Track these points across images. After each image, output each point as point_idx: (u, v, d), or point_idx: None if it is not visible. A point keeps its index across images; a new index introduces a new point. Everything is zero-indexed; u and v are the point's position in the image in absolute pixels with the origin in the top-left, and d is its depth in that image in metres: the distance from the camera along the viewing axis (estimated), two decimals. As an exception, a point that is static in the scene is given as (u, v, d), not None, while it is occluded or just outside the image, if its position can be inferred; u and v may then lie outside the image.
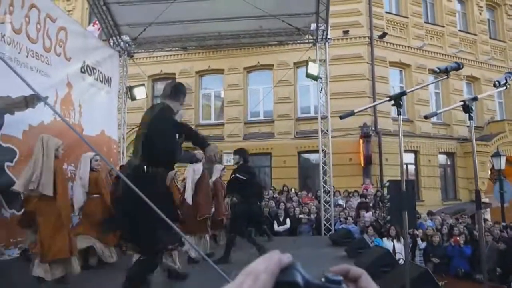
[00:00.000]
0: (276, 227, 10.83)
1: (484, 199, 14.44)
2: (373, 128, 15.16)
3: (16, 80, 4.15)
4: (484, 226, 8.99)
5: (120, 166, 8.28)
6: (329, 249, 8.20)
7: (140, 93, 11.19)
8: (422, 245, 10.10)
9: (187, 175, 7.19)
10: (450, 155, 17.28)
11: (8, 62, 3.66)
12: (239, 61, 16.35)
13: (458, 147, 17.02)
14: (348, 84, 14.88)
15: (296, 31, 10.59)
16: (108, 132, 9.75)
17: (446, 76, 3.51)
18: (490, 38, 19.33)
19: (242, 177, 6.91)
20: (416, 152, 16.27)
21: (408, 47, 16.78)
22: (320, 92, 10.80)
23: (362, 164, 14.86)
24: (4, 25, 6.20)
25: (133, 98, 11.13)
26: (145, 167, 3.53)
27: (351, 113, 3.36)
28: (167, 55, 16.00)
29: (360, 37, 15.77)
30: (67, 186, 6.02)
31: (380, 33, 15.94)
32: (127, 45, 10.98)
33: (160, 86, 17.60)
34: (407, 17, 17.04)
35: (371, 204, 12.08)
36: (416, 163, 16.31)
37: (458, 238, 9.97)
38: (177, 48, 13.18)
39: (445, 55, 17.36)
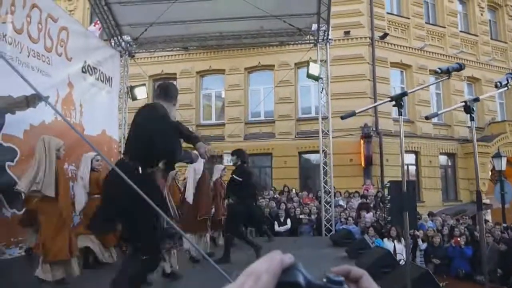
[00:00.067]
0: (276, 227, 10.83)
1: (485, 200, 14.43)
2: (374, 129, 15.15)
3: (17, 80, 4.15)
4: (485, 227, 8.98)
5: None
6: (330, 250, 8.20)
7: (141, 93, 11.20)
8: (423, 246, 10.09)
9: (188, 174, 7.19)
10: (450, 156, 17.26)
11: (9, 61, 3.66)
12: (240, 62, 16.35)
13: (459, 148, 17.00)
14: (349, 85, 14.88)
15: (297, 31, 10.59)
16: (109, 132, 9.75)
17: (447, 77, 3.51)
18: (491, 39, 19.32)
19: (238, 178, 6.93)
20: (417, 153, 16.26)
21: (409, 47, 16.77)
22: (321, 92, 10.80)
23: (363, 165, 14.85)
24: (5, 24, 6.21)
25: (134, 98, 11.14)
26: (139, 167, 3.49)
27: (353, 114, 3.36)
28: (168, 55, 16.02)
29: (361, 38, 15.76)
30: (69, 186, 6.02)
31: (381, 34, 15.93)
32: (128, 45, 10.98)
33: (161, 86, 17.62)
34: (408, 18, 17.03)
35: (371, 205, 12.08)
36: (416, 163, 16.30)
37: (458, 239, 9.96)
38: (178, 48, 13.18)
39: (446, 56, 17.34)
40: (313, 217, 11.21)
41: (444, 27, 17.84)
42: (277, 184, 14.71)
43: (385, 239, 9.54)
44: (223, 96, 17.08)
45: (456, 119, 16.79)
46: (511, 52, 19.62)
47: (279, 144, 15.70)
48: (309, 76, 10.50)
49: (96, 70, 9.28)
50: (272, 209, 11.43)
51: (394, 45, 16.46)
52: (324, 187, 10.53)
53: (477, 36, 18.69)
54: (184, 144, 3.79)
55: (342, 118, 3.38)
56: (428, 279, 4.55)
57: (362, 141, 14.84)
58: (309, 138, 14.50)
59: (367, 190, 13.27)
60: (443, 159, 17.18)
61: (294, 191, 13.58)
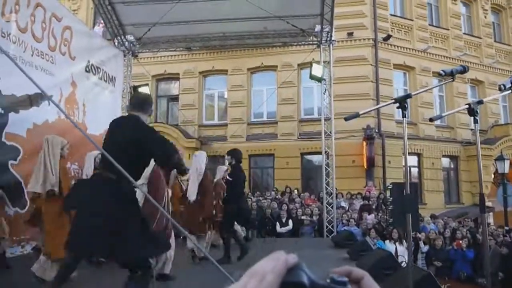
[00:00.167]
0: (278, 228, 10.82)
1: (487, 203, 14.36)
2: (376, 130, 15.12)
3: (20, 79, 4.17)
4: (487, 230, 8.98)
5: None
6: (331, 251, 8.20)
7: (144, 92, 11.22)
8: (425, 248, 10.07)
9: (190, 174, 7.19)
10: (453, 158, 17.22)
11: (14, 60, 3.67)
12: (243, 62, 16.35)
13: (461, 150, 16.96)
14: (352, 86, 14.87)
15: (300, 32, 10.60)
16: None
17: (451, 79, 3.50)
18: (495, 41, 19.26)
19: (229, 178, 7.02)
20: (419, 155, 16.22)
21: (413, 49, 16.74)
22: (324, 93, 10.80)
23: (365, 166, 14.83)
24: (9, 23, 6.23)
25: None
26: (124, 181, 3.40)
27: (356, 115, 3.35)
28: (171, 55, 16.04)
29: (364, 39, 15.74)
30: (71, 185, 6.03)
31: (384, 35, 15.91)
32: (131, 44, 11.01)
33: (164, 86, 17.70)
34: (412, 20, 17.01)
35: (373, 207, 12.06)
36: (419, 166, 16.26)
37: (460, 241, 9.94)
38: (181, 48, 13.21)
39: (450, 58, 17.31)
40: (314, 218, 11.20)
41: (448, 29, 17.81)
42: (279, 185, 14.70)
43: (387, 241, 9.52)
44: (225, 96, 17.08)
45: (459, 122, 16.75)
46: (514, 54, 19.58)
47: (281, 145, 15.69)
48: (312, 77, 10.51)
49: (99, 70, 9.31)
50: (273, 209, 11.42)
51: (397, 47, 16.44)
52: (326, 188, 10.53)
53: (480, 38, 18.64)
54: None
55: (345, 119, 3.38)
56: (429, 282, 4.54)
57: (364, 143, 14.82)
58: (312, 139, 14.49)
59: (369, 192, 13.25)
60: (445, 162, 17.14)
61: (296, 192, 13.57)
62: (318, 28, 10.49)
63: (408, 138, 3.55)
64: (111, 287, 5.22)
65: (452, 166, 17.36)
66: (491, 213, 15.34)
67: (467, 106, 3.49)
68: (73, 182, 6.33)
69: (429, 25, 17.52)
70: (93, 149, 6.39)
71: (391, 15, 16.74)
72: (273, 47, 14.17)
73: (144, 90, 11.17)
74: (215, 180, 8.00)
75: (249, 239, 8.71)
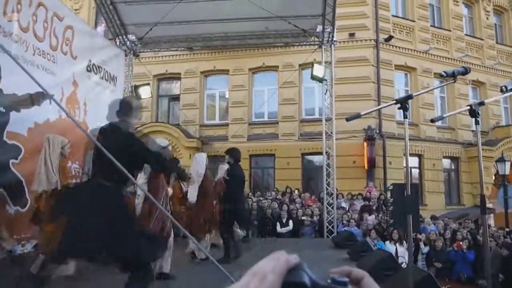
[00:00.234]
0: (278, 228, 10.81)
1: (488, 205, 14.36)
2: (377, 131, 15.12)
3: (22, 78, 4.17)
4: (488, 231, 8.97)
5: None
6: (332, 252, 8.19)
7: (145, 92, 11.24)
8: (425, 249, 10.06)
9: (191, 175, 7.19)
10: (454, 159, 17.21)
11: (16, 60, 3.68)
12: (245, 62, 16.35)
13: (462, 152, 16.95)
14: (353, 87, 14.87)
15: (302, 32, 10.59)
16: (113, 131, 9.75)
17: (453, 81, 3.50)
18: (497, 43, 19.24)
19: (226, 177, 7.04)
20: (420, 156, 16.21)
21: (414, 50, 16.73)
22: (325, 94, 10.79)
23: (366, 167, 14.82)
24: (11, 23, 6.23)
25: (138, 98, 11.16)
26: (119, 187, 3.51)
27: (357, 116, 3.35)
28: (173, 55, 16.05)
29: (366, 40, 15.75)
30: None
31: (386, 36, 15.91)
32: (133, 44, 11.00)
33: (165, 86, 17.70)
34: (414, 21, 17.00)
35: (374, 207, 12.05)
36: (420, 167, 16.24)
37: (461, 243, 9.93)
38: (182, 48, 13.22)
39: (451, 59, 17.30)
40: (315, 218, 11.19)
41: (449, 31, 17.80)
42: (280, 185, 14.71)
43: (387, 242, 9.51)
44: (227, 96, 17.08)
45: (460, 123, 16.73)
46: (516, 56, 19.57)
47: (282, 145, 15.69)
48: (313, 77, 10.50)
49: (100, 69, 9.30)
50: (274, 210, 11.42)
51: (399, 47, 16.43)
52: (327, 189, 10.53)
53: (482, 39, 18.63)
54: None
55: (347, 120, 3.38)
56: (430, 283, 4.54)
57: (365, 143, 14.81)
58: (313, 140, 14.49)
59: (370, 193, 13.25)
60: (446, 163, 17.13)
61: (296, 192, 13.56)
62: (319, 28, 10.49)
63: (409, 139, 3.54)
64: (111, 287, 5.23)
65: (453, 167, 17.35)
66: (491, 215, 15.33)
67: (468, 107, 3.48)
68: (73, 181, 6.36)
69: (431, 26, 17.51)
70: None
71: (393, 16, 16.75)
72: (274, 47, 14.17)
73: (145, 89, 11.21)
74: (216, 179, 8.02)
75: (247, 241, 8.67)
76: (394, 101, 3.42)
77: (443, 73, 3.51)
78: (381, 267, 5.56)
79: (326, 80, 10.57)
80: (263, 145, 15.80)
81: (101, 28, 12.17)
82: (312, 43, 11.14)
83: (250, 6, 9.16)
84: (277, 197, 12.97)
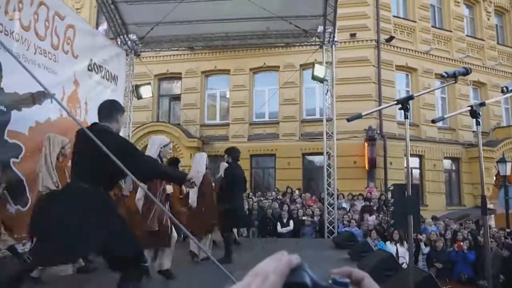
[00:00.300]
0: (279, 228, 10.81)
1: (489, 205, 14.35)
2: (378, 132, 15.12)
3: (23, 77, 4.17)
4: (489, 232, 8.96)
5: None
6: (332, 252, 8.19)
7: (146, 92, 11.24)
8: (426, 249, 10.05)
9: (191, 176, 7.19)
10: (455, 160, 17.21)
11: (17, 58, 3.68)
12: (245, 62, 16.36)
13: (463, 152, 16.95)
14: (354, 87, 14.87)
15: (303, 33, 10.59)
16: (114, 130, 9.76)
17: (453, 81, 3.50)
18: (498, 43, 19.24)
19: (222, 176, 7.16)
20: (421, 157, 16.22)
21: (415, 51, 16.73)
22: (326, 94, 10.79)
23: (367, 167, 14.82)
24: (12, 21, 6.24)
25: (139, 97, 11.18)
26: (103, 190, 3.55)
27: (359, 116, 3.35)
28: (174, 55, 16.07)
29: (367, 40, 15.75)
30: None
31: (387, 37, 15.91)
32: (134, 44, 11.01)
33: (166, 86, 17.71)
34: (415, 21, 17.00)
35: (375, 208, 12.05)
36: (420, 167, 16.24)
37: (462, 243, 9.92)
38: (183, 48, 13.22)
39: (452, 60, 17.30)
40: (315, 219, 11.19)
41: (451, 31, 17.79)
42: (280, 185, 14.71)
43: (388, 242, 9.51)
44: (228, 96, 17.08)
45: (461, 123, 16.73)
46: (517, 57, 19.56)
47: (283, 145, 15.69)
48: (314, 77, 10.49)
49: (102, 68, 9.31)
50: (275, 210, 11.42)
51: (400, 48, 16.43)
52: (327, 189, 10.52)
53: (483, 40, 18.63)
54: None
55: (348, 120, 3.37)
56: (430, 283, 4.54)
57: (366, 144, 14.82)
58: (313, 140, 14.49)
59: (371, 193, 13.25)
60: (447, 163, 17.12)
61: (297, 192, 13.57)
62: (320, 29, 10.48)
63: (410, 140, 3.54)
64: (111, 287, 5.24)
65: (453, 168, 17.34)
66: (492, 215, 15.32)
67: (469, 108, 3.48)
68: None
69: (432, 26, 17.51)
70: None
71: (394, 16, 16.74)
72: (275, 47, 14.17)
73: (146, 89, 11.21)
74: (217, 176, 8.06)
75: (238, 243, 8.62)
76: (395, 102, 3.42)
77: (444, 73, 3.50)
78: (381, 268, 5.56)
79: (327, 80, 10.56)
80: (264, 145, 15.80)
81: (103, 27, 12.15)
82: (313, 43, 11.14)
83: (251, 6, 9.15)
84: (278, 197, 12.97)
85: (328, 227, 10.29)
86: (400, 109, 3.36)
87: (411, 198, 3.73)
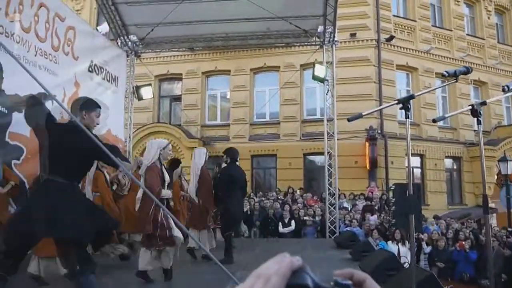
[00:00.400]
0: (280, 228, 10.82)
1: (490, 204, 14.32)
2: (379, 131, 15.11)
3: (24, 79, 4.17)
4: (490, 231, 8.94)
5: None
6: (334, 252, 8.18)
7: (147, 93, 11.26)
8: (427, 249, 10.05)
9: (191, 172, 7.23)
10: (456, 159, 17.20)
11: (18, 60, 3.69)
12: (246, 62, 16.36)
13: (464, 151, 16.93)
14: (355, 87, 14.86)
15: (303, 33, 10.60)
16: (114, 131, 9.78)
17: (454, 80, 3.49)
18: (498, 42, 19.22)
19: (218, 176, 7.23)
20: (422, 156, 16.20)
21: (416, 50, 16.72)
22: (327, 94, 10.79)
23: (368, 167, 14.82)
24: (13, 23, 6.25)
25: (139, 98, 11.20)
26: (75, 183, 3.70)
27: (359, 116, 3.35)
28: (174, 56, 16.06)
29: (367, 40, 15.74)
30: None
31: (387, 36, 15.90)
32: (134, 45, 11.03)
33: (167, 86, 17.72)
34: (415, 21, 16.98)
35: (376, 207, 12.04)
36: (422, 166, 16.23)
37: (463, 242, 9.92)
38: (184, 49, 13.24)
39: (453, 59, 17.28)
40: (317, 218, 11.19)
41: (451, 30, 17.78)
42: (282, 185, 14.71)
43: (389, 242, 9.51)
44: (228, 96, 17.09)
45: (462, 123, 16.72)
46: (518, 55, 19.54)
47: (284, 145, 15.69)
48: (314, 77, 10.49)
49: (102, 70, 9.32)
50: (276, 210, 11.42)
51: (400, 47, 16.43)
52: (329, 189, 10.52)
53: (484, 39, 18.61)
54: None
55: (349, 120, 3.38)
56: (432, 283, 4.53)
57: (367, 143, 14.81)
58: (314, 140, 14.49)
59: (372, 193, 13.24)
60: (448, 163, 17.11)
61: (298, 192, 13.57)
62: (321, 28, 10.49)
63: (411, 139, 3.54)
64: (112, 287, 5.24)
65: (455, 167, 17.33)
66: (494, 214, 15.30)
67: (470, 107, 3.48)
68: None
69: (432, 26, 17.50)
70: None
71: (394, 16, 16.74)
72: (276, 47, 14.16)
73: (147, 90, 11.22)
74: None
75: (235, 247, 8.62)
76: (396, 101, 3.43)
77: (444, 73, 3.50)
78: (383, 267, 5.55)
79: (327, 80, 10.56)
80: (265, 146, 15.81)
81: (104, 29, 12.14)
82: (314, 43, 11.14)
83: (251, 7, 9.16)
84: (279, 197, 12.97)
85: (329, 227, 10.29)
86: (401, 108, 3.36)
87: (412, 198, 3.74)
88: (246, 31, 10.81)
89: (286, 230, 10.81)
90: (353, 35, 15.58)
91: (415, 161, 15.88)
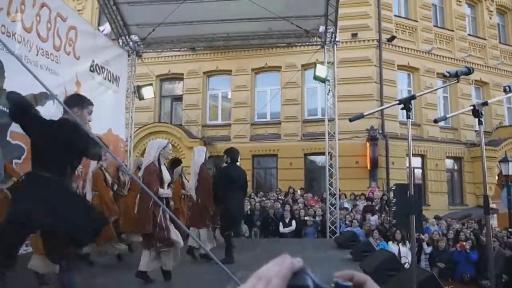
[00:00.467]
0: (281, 228, 10.82)
1: (491, 205, 14.31)
2: (380, 131, 15.10)
3: (25, 78, 4.18)
4: (491, 231, 8.94)
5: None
6: (334, 252, 8.18)
7: (148, 92, 11.27)
8: (428, 249, 10.05)
9: (191, 170, 7.25)
10: (457, 159, 17.18)
11: (20, 59, 3.69)
12: (247, 62, 16.36)
13: (465, 152, 16.92)
14: (356, 87, 14.85)
15: (304, 33, 10.60)
16: (116, 131, 9.80)
17: (456, 81, 3.49)
18: (500, 42, 19.20)
19: (216, 175, 7.26)
20: (423, 156, 16.19)
21: (417, 50, 16.70)
22: (328, 94, 10.79)
23: (369, 167, 14.81)
24: (15, 23, 6.26)
25: (141, 98, 11.21)
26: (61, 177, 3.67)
27: (361, 116, 3.35)
28: (176, 55, 16.07)
29: (368, 40, 15.73)
30: None
31: (388, 36, 15.89)
32: (136, 44, 11.04)
33: (168, 86, 17.73)
34: (416, 21, 16.97)
35: (377, 208, 12.04)
36: (423, 167, 16.22)
37: (464, 243, 9.92)
38: (185, 49, 13.24)
39: (454, 59, 17.27)
40: (318, 219, 11.19)
41: (452, 31, 17.76)
42: (283, 185, 14.70)
43: (390, 242, 9.51)
44: (229, 96, 17.10)
45: (463, 123, 16.71)
46: (519, 56, 19.52)
47: (285, 145, 15.69)
48: (316, 78, 10.50)
49: (103, 69, 9.34)
50: (277, 210, 11.42)
51: (402, 47, 16.41)
52: (330, 189, 10.52)
53: (485, 39, 18.59)
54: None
55: (350, 120, 3.37)
56: (433, 283, 4.53)
57: (368, 144, 14.80)
58: (315, 140, 14.48)
59: (373, 193, 13.23)
60: (449, 163, 17.09)
61: (299, 192, 13.56)
62: (322, 29, 10.49)
63: (412, 139, 3.54)
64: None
65: (456, 168, 17.32)
66: (495, 215, 15.31)
67: (471, 107, 3.48)
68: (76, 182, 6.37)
69: (434, 26, 17.48)
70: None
71: (396, 16, 16.72)
72: (277, 47, 14.15)
73: (148, 90, 11.24)
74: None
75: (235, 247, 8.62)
76: (397, 102, 3.42)
77: (446, 73, 3.50)
78: (384, 268, 5.55)
79: (328, 80, 10.57)
80: (266, 146, 15.81)
81: (106, 27, 12.15)
82: (315, 43, 11.15)
83: (252, 7, 9.16)
84: (280, 197, 12.97)
85: (330, 227, 10.29)
86: (402, 109, 3.36)
87: (413, 198, 3.73)
88: (248, 31, 10.81)
89: (286, 230, 10.82)
90: (354, 35, 15.58)
91: (416, 162, 15.87)
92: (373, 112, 4.00)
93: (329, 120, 10.79)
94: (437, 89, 15.02)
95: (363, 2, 15.79)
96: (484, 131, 3.68)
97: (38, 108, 6.47)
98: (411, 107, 3.35)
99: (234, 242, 7.14)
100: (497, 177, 16.36)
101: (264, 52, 15.56)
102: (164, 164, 5.52)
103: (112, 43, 10.38)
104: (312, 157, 15.85)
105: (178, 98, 17.56)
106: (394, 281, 4.95)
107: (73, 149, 3.63)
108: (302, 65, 15.41)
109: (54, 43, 7.31)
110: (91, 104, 4.07)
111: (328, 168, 10.56)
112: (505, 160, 14.40)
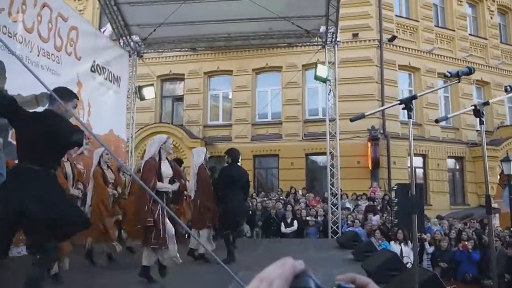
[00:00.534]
0: (283, 228, 10.82)
1: (493, 204, 14.27)
2: (381, 131, 15.10)
3: (26, 79, 4.19)
4: (493, 231, 8.93)
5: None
6: (336, 252, 8.17)
7: (149, 93, 11.28)
8: (430, 249, 10.04)
9: (190, 171, 7.25)
10: (459, 159, 17.17)
11: (21, 60, 3.70)
12: (248, 63, 16.36)
13: (467, 152, 16.90)
14: (357, 87, 14.85)
15: (305, 33, 10.60)
16: (117, 132, 9.81)
17: (457, 80, 3.49)
18: (501, 42, 19.18)
19: (215, 176, 7.18)
20: (424, 156, 16.18)
21: (418, 50, 16.69)
22: (329, 94, 10.79)
23: (370, 167, 14.81)
24: (16, 23, 6.27)
25: (142, 98, 11.22)
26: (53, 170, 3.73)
27: (362, 116, 3.34)
28: (176, 56, 16.08)
29: (369, 40, 15.72)
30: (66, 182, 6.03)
31: (389, 36, 15.88)
32: (137, 45, 11.05)
33: (169, 86, 17.74)
34: (417, 21, 16.96)
35: (378, 208, 12.04)
36: (424, 167, 16.22)
37: (466, 243, 9.90)
38: (186, 49, 13.26)
39: (455, 59, 17.25)
40: (319, 219, 11.19)
41: (453, 30, 17.75)
42: (284, 185, 14.69)
43: (392, 242, 9.49)
44: (230, 97, 17.10)
45: (464, 123, 16.70)
46: (520, 55, 19.49)
47: (286, 145, 15.69)
48: (316, 78, 10.50)
49: (104, 70, 9.35)
50: (278, 210, 11.42)
51: (403, 47, 16.40)
52: (331, 189, 10.52)
53: (486, 39, 18.57)
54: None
55: (351, 120, 3.37)
56: (435, 283, 4.52)
57: (369, 144, 14.80)
58: (316, 140, 14.47)
59: (374, 193, 13.22)
60: (451, 163, 17.08)
61: (300, 192, 13.56)
62: (323, 29, 10.49)
63: (413, 139, 3.53)
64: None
65: (457, 167, 17.31)
66: (496, 215, 15.28)
67: (473, 107, 3.47)
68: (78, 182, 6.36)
69: (435, 26, 17.47)
70: (97, 147, 6.43)
71: (397, 16, 16.71)
72: (278, 47, 14.15)
73: (149, 90, 11.24)
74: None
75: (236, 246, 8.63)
76: (398, 102, 3.42)
77: (447, 73, 3.50)
78: (386, 267, 5.54)
79: (329, 80, 10.57)
80: (267, 146, 15.81)
81: (108, 29, 12.17)
82: (316, 43, 11.15)
83: (253, 7, 9.17)
84: (281, 197, 12.97)
85: (332, 227, 10.29)
86: (403, 109, 3.36)
87: (415, 198, 3.73)
88: (248, 31, 10.82)
89: (288, 230, 10.81)
90: (355, 35, 15.57)
91: (418, 161, 15.87)
92: (374, 112, 4.00)
93: (330, 120, 10.79)
94: (438, 89, 15.00)
95: (364, 2, 15.79)
96: (485, 131, 3.68)
97: (40, 108, 6.51)
98: (412, 107, 3.35)
99: (233, 241, 7.14)
100: (498, 177, 16.33)
101: (265, 52, 15.56)
102: (167, 159, 5.49)
103: (113, 44, 10.39)
104: (314, 157, 15.85)
105: (179, 99, 17.57)
106: (396, 281, 4.94)
107: (58, 140, 3.64)
108: (303, 65, 15.41)
109: (55, 44, 7.32)
110: (76, 97, 4.09)
111: (330, 168, 10.56)
112: (506, 160, 14.36)
